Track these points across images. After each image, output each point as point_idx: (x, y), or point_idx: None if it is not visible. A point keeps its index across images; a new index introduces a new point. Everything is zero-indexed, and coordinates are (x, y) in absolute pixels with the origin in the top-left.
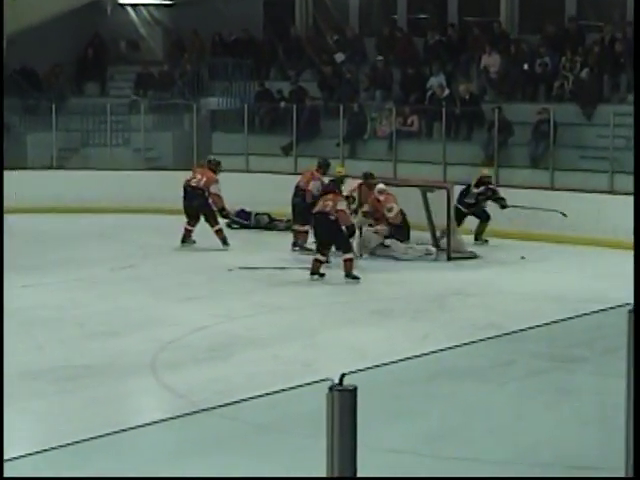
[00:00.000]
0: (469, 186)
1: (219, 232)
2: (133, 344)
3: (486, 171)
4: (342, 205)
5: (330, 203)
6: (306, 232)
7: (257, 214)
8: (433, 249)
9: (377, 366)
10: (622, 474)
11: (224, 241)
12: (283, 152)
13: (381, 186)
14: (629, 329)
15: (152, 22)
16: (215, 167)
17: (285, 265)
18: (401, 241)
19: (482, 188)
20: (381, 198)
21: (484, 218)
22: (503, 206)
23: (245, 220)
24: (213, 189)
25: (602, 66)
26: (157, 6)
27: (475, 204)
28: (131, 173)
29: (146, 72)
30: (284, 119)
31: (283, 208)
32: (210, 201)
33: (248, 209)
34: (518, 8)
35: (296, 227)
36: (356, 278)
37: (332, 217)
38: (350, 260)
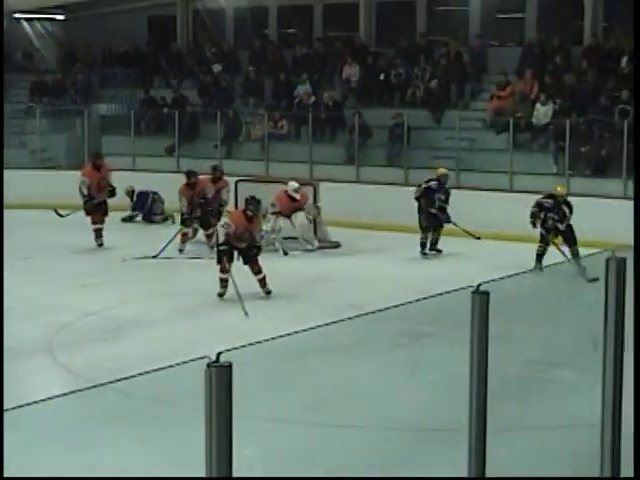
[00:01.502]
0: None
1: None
2: (29, 328)
3: (560, 189)
4: (222, 222)
5: None
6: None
7: (155, 193)
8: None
9: (252, 344)
10: (466, 435)
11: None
12: (167, 153)
13: (295, 184)
14: (472, 307)
15: (46, 35)
16: (92, 160)
17: (174, 255)
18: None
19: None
20: (297, 196)
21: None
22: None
23: (142, 206)
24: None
25: (449, 76)
26: (50, 20)
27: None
28: (28, 172)
29: (41, 80)
30: (167, 123)
31: (167, 205)
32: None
33: (142, 189)
34: (375, 24)
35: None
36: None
37: None
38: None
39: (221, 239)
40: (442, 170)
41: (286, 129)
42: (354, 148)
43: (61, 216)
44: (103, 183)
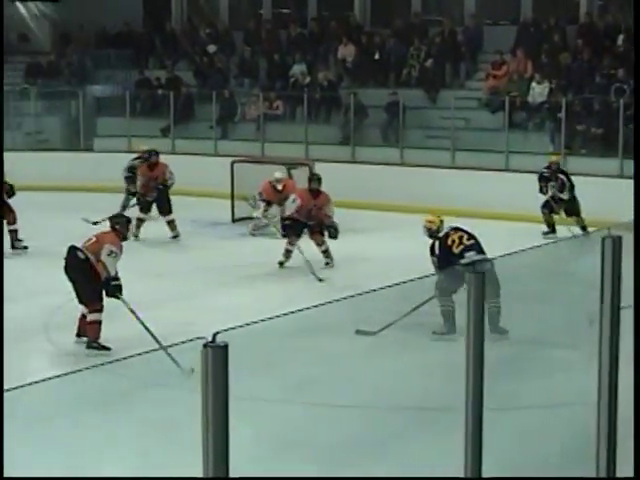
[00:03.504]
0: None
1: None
2: (22, 310)
3: (554, 158)
4: (107, 251)
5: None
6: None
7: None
8: None
9: (247, 324)
10: (459, 415)
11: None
12: (162, 134)
13: (278, 174)
14: (469, 286)
15: (40, 16)
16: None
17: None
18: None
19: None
20: (279, 187)
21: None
22: None
23: None
24: None
25: (444, 55)
26: (44, 1)
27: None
28: (23, 154)
29: (35, 62)
30: (162, 104)
31: None
32: None
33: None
34: (370, 4)
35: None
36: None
37: (82, 255)
38: (94, 323)
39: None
40: (552, 157)
41: (281, 109)
42: (349, 128)
43: (94, 223)
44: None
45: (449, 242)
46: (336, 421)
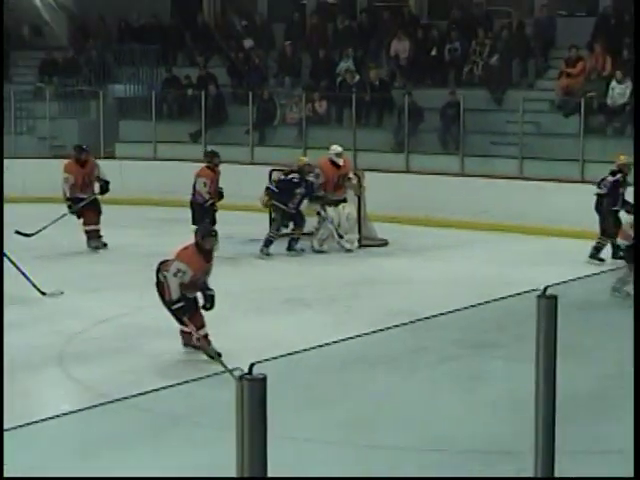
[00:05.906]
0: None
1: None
2: (37, 337)
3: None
4: None
5: None
6: None
7: None
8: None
9: (288, 354)
10: (532, 458)
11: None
12: (191, 139)
13: (338, 147)
14: (538, 314)
15: (56, 7)
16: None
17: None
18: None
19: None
20: (340, 162)
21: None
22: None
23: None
24: None
25: (511, 51)
26: None
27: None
28: (36, 162)
29: (50, 58)
30: (192, 106)
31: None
32: None
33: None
34: None
35: None
36: None
37: None
38: None
39: (175, 295)
40: (622, 158)
41: (326, 112)
42: (403, 133)
43: (27, 235)
44: (88, 179)
45: None
46: (389, 466)
